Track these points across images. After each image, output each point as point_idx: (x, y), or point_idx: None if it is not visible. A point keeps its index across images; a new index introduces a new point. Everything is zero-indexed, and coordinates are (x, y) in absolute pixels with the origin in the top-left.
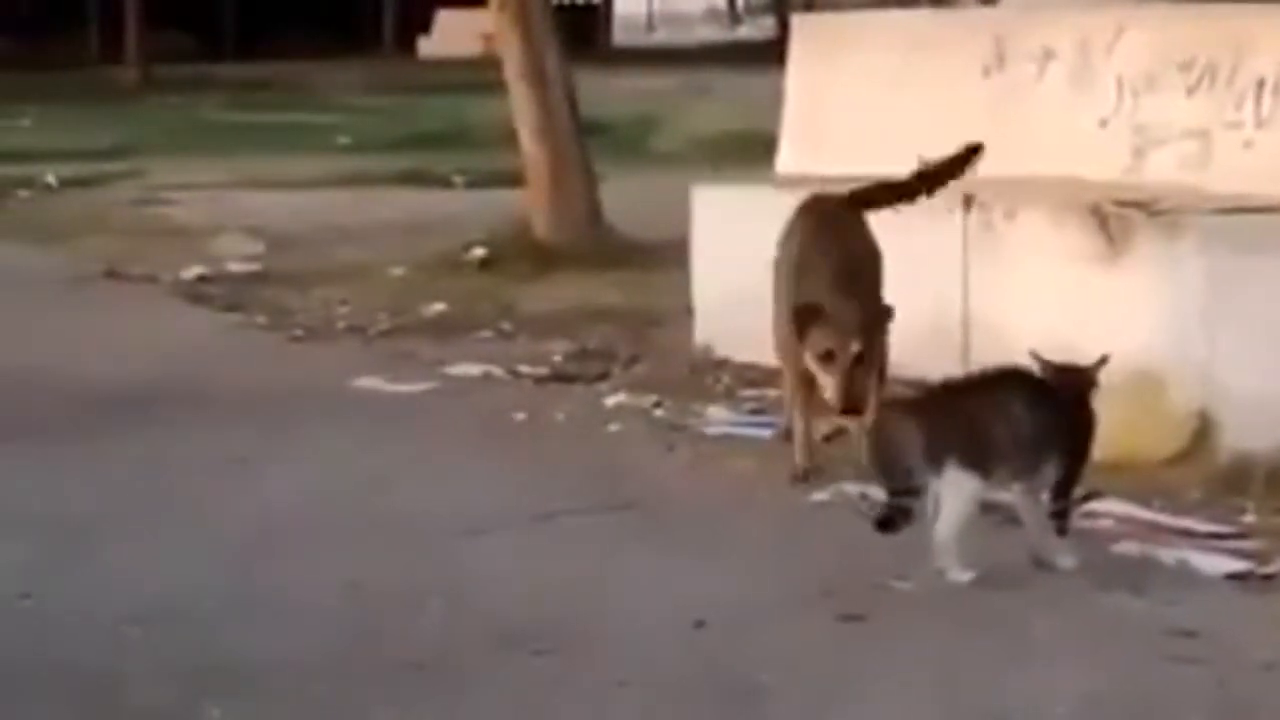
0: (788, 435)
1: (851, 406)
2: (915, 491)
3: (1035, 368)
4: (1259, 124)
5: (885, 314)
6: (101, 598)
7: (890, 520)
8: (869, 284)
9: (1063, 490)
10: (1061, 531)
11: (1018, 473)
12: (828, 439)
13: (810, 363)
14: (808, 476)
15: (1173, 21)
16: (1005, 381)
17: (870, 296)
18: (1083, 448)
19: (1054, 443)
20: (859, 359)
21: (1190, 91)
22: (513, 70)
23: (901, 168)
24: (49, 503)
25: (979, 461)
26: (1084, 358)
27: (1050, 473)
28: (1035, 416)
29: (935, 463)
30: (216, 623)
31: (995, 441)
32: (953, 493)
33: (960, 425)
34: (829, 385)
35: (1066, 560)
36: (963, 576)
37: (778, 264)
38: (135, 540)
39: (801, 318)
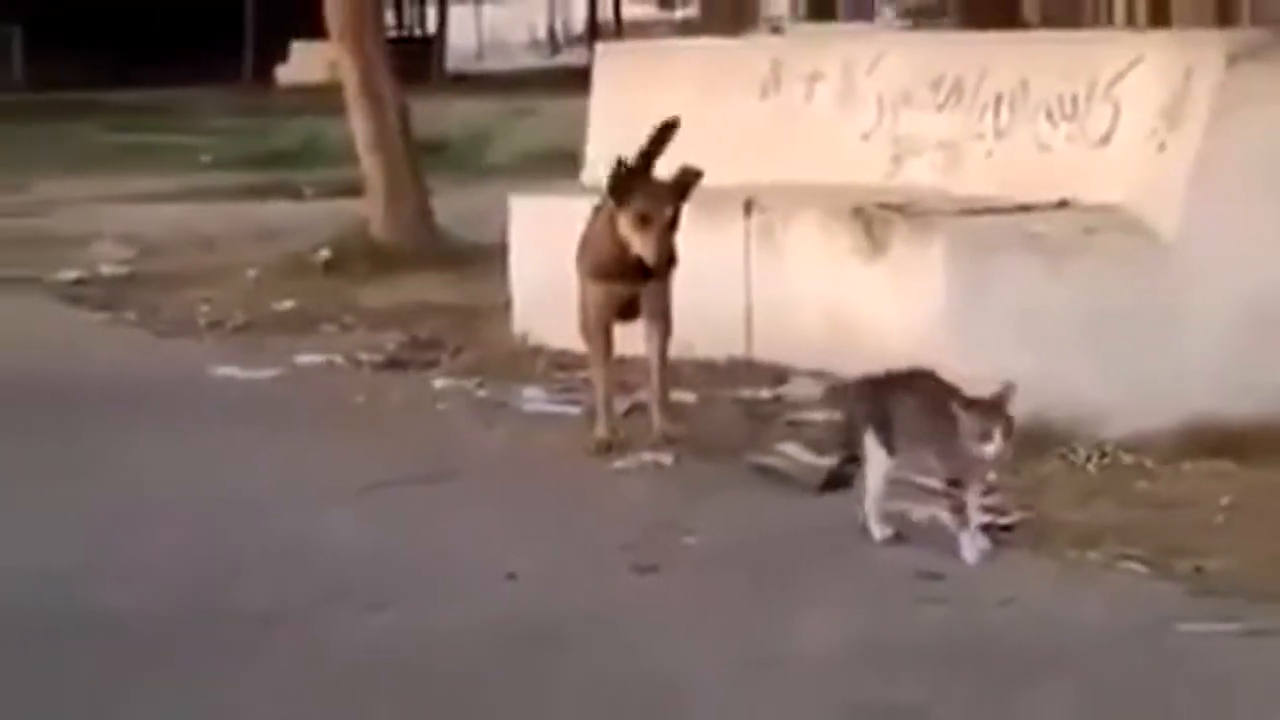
0: (593, 411)
1: (664, 260)
2: (858, 459)
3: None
4: (998, 135)
5: (694, 176)
6: None
7: (836, 482)
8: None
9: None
10: (963, 524)
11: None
12: (627, 413)
13: (626, 226)
14: (609, 447)
15: (925, 47)
16: (912, 379)
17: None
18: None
19: (927, 440)
20: (671, 222)
21: (940, 107)
22: (351, 92)
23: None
24: None
25: (888, 440)
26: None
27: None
28: (922, 412)
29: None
30: (73, 582)
31: (899, 426)
32: (872, 463)
33: (880, 408)
34: (644, 244)
35: (880, 531)
36: (880, 533)
37: (581, 256)
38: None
39: (621, 182)
